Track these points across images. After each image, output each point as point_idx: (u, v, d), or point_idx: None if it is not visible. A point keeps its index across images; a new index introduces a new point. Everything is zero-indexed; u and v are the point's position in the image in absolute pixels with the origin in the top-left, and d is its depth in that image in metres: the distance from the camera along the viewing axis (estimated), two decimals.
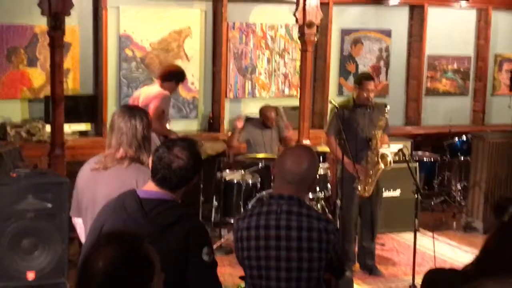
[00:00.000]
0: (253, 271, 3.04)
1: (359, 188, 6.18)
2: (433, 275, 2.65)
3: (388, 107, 6.31)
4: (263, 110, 7.77)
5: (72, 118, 7.48)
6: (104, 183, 3.47)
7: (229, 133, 7.87)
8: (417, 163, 7.92)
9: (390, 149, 6.31)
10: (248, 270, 3.07)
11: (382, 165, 6.14)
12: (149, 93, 6.67)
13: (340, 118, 6.18)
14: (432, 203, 8.46)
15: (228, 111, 8.58)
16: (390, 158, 6.16)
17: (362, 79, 6.35)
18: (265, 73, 8.79)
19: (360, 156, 6.24)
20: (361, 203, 6.34)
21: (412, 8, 9.53)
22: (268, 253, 3.00)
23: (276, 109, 7.93)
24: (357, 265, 6.48)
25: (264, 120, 7.73)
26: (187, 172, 2.92)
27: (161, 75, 6.78)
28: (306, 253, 2.94)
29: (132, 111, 3.63)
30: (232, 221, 7.18)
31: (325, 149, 7.10)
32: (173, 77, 6.72)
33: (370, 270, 6.43)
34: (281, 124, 7.91)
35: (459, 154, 8.56)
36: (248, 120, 8.12)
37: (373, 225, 6.42)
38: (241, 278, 3.25)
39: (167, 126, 6.70)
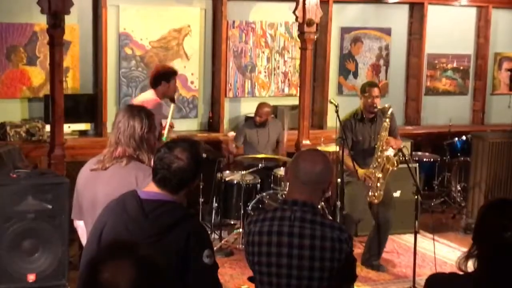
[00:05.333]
0: (263, 277, 3.01)
1: (369, 195, 6.27)
2: (435, 280, 2.65)
3: (392, 109, 6.39)
4: (256, 107, 7.76)
5: (72, 117, 7.45)
6: (103, 183, 3.44)
7: (229, 134, 7.87)
8: (417, 164, 7.91)
9: (390, 151, 6.36)
10: (258, 275, 3.04)
11: (389, 167, 6.20)
12: (142, 100, 6.27)
13: (349, 130, 6.33)
14: (432, 204, 8.42)
15: (228, 111, 8.56)
16: (395, 158, 6.24)
17: (366, 87, 6.50)
18: (265, 72, 8.77)
19: (367, 166, 6.35)
20: (381, 204, 6.40)
21: (412, 6, 9.51)
22: (280, 260, 2.96)
23: (270, 106, 7.87)
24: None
25: (255, 117, 7.70)
26: (187, 174, 2.90)
27: (150, 82, 6.46)
28: (318, 262, 2.91)
29: (132, 111, 3.58)
30: (232, 222, 7.18)
31: (326, 149, 7.08)
32: (160, 79, 6.36)
33: (376, 267, 6.53)
34: (280, 128, 7.90)
35: (459, 154, 8.54)
36: (246, 120, 8.11)
37: (387, 229, 6.53)
38: (249, 279, 3.20)
39: (172, 130, 6.55)
